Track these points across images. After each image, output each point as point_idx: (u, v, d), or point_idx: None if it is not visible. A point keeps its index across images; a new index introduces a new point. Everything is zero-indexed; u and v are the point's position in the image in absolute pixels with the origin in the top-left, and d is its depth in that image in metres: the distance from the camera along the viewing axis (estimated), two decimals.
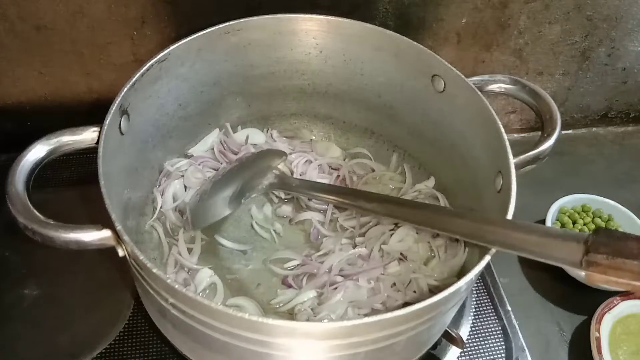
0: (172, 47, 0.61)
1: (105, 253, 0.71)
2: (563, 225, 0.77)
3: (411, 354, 0.57)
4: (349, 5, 0.73)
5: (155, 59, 0.59)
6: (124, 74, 0.78)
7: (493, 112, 0.57)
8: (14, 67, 0.76)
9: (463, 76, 0.60)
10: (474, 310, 0.69)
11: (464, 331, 0.67)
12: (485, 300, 0.70)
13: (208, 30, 0.63)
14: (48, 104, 0.80)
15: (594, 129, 1.00)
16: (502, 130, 0.55)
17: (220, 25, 0.64)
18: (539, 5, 0.79)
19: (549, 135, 0.58)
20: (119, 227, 0.46)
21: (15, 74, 0.76)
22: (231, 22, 0.64)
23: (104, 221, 0.47)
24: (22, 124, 0.82)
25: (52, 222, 0.47)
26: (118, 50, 0.76)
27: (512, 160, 0.53)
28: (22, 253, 0.71)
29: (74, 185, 0.78)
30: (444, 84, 0.63)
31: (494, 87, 0.63)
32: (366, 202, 0.62)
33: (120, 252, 0.48)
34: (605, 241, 0.41)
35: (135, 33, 0.74)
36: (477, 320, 0.68)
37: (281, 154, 0.71)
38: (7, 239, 0.73)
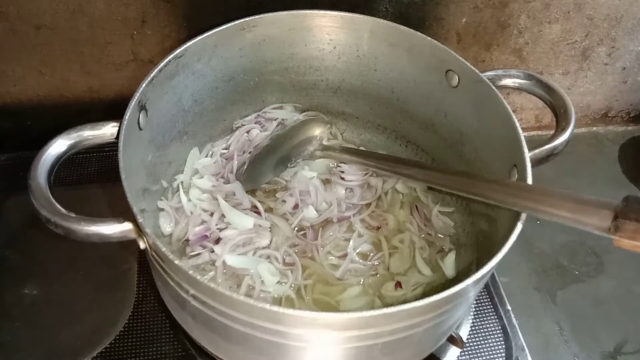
0: (189, 44, 0.61)
1: (105, 253, 0.71)
2: None
3: (428, 345, 0.57)
4: (348, 4, 0.73)
5: (172, 55, 0.59)
6: (124, 73, 0.78)
7: (508, 106, 0.57)
8: (13, 67, 0.75)
9: (478, 71, 0.60)
10: (474, 310, 0.69)
11: (464, 331, 0.67)
12: (485, 300, 0.70)
13: (224, 26, 0.63)
14: (48, 104, 0.80)
15: (594, 128, 1.00)
16: (517, 124, 0.55)
17: (236, 22, 0.64)
18: (539, 4, 0.79)
19: (564, 130, 0.58)
20: (140, 219, 0.46)
21: (15, 73, 0.76)
22: (246, 19, 0.64)
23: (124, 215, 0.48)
24: (22, 123, 0.82)
25: (74, 215, 0.47)
26: (118, 50, 0.76)
27: (528, 154, 0.53)
28: (22, 253, 0.71)
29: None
30: (458, 79, 0.63)
31: (508, 81, 0.63)
32: (405, 169, 0.64)
33: (142, 245, 0.49)
34: (634, 208, 0.42)
35: (135, 32, 0.74)
36: (477, 320, 0.68)
37: (325, 122, 0.75)
38: (7, 238, 0.73)
